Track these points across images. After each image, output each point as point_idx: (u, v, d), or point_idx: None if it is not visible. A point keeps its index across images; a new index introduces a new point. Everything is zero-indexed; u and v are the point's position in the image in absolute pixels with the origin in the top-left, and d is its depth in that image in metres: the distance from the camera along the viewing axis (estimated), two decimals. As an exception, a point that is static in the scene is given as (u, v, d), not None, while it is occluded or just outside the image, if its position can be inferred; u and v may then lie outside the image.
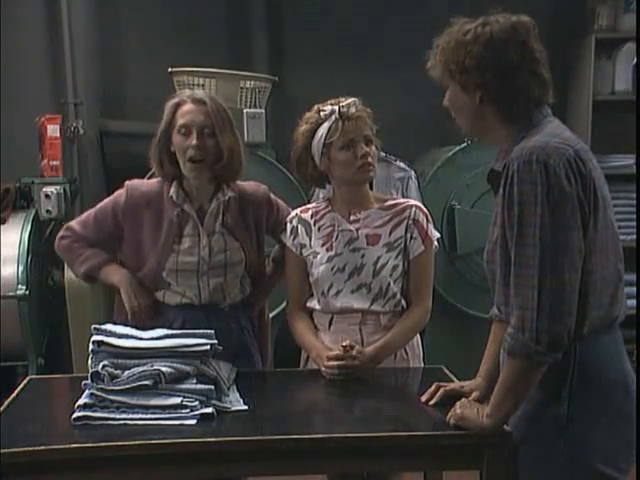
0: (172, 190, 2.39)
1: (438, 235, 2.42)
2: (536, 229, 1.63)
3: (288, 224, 2.46)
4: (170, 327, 2.25)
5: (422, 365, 2.49)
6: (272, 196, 2.55)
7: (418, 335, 2.48)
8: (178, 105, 2.34)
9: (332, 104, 2.32)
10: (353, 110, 2.30)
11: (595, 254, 1.70)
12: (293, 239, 2.43)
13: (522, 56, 1.74)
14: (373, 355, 2.29)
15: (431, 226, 2.40)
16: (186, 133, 2.31)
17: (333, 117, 2.30)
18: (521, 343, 1.65)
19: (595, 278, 1.70)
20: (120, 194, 2.44)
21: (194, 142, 2.29)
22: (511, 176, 1.67)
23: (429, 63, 1.84)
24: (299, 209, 2.50)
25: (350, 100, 2.32)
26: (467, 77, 1.76)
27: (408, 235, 2.36)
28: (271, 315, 2.85)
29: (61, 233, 2.51)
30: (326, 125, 2.30)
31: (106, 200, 2.48)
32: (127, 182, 2.47)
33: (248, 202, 2.47)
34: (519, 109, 1.77)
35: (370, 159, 2.31)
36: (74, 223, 2.51)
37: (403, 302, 2.39)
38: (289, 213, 2.52)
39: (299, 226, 2.43)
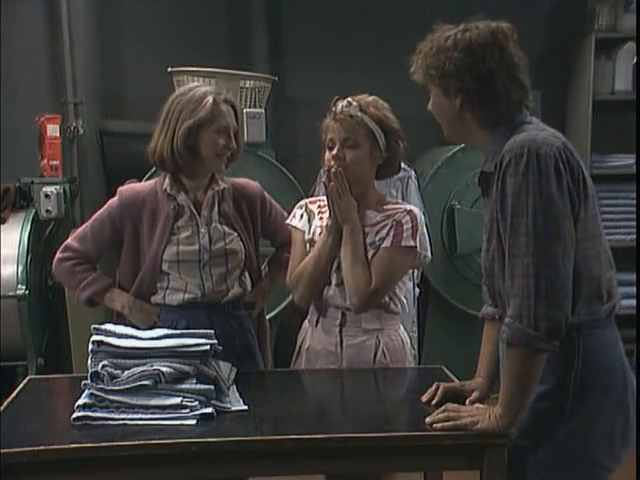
0: (166, 182, 2.41)
1: (412, 244, 2.28)
2: (528, 218, 1.66)
3: (297, 210, 2.47)
4: (174, 329, 2.23)
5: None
6: (266, 194, 2.58)
7: (407, 339, 2.46)
8: (216, 104, 2.36)
9: (341, 101, 2.32)
10: (339, 111, 2.29)
11: (588, 241, 1.73)
12: (299, 220, 2.45)
13: (500, 61, 1.77)
14: None
15: (411, 234, 2.29)
16: (224, 133, 2.37)
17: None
18: (520, 331, 1.67)
19: (589, 265, 1.73)
20: (113, 200, 2.46)
21: (233, 144, 2.40)
22: (504, 170, 1.70)
23: (412, 68, 1.88)
24: (308, 199, 2.55)
25: (345, 101, 2.30)
26: (447, 82, 1.81)
27: (385, 232, 2.32)
28: (270, 316, 2.85)
29: (60, 254, 2.47)
30: None
31: (100, 211, 2.48)
32: (119, 188, 2.48)
33: (241, 195, 2.51)
34: (499, 113, 1.80)
35: (338, 163, 2.27)
36: (71, 241, 2.47)
37: (384, 301, 2.36)
38: (282, 214, 2.57)
39: (304, 214, 2.46)
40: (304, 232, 2.42)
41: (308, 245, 2.41)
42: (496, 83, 1.77)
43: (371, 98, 2.34)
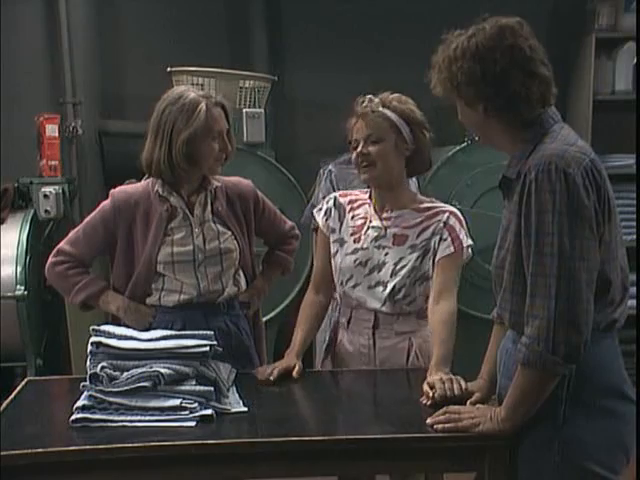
0: (158, 184, 2.40)
1: (471, 242, 2.33)
2: (554, 238, 1.62)
3: (325, 204, 2.46)
4: (170, 330, 2.23)
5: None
6: (258, 192, 2.57)
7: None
8: (208, 110, 2.32)
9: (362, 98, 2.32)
10: (361, 108, 2.29)
11: (609, 264, 1.69)
12: (325, 220, 2.43)
13: (512, 60, 1.72)
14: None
15: (464, 232, 2.33)
16: (219, 137, 2.36)
17: None
18: (537, 354, 1.64)
19: (610, 287, 1.70)
20: (105, 203, 2.44)
21: (228, 147, 2.37)
22: (529, 184, 1.66)
23: (431, 83, 1.84)
24: (339, 192, 2.52)
25: (367, 98, 2.30)
26: (464, 92, 1.77)
27: (436, 237, 2.30)
28: (268, 318, 2.84)
29: (52, 259, 2.44)
30: None
31: (92, 214, 2.46)
32: (111, 190, 2.47)
33: (234, 194, 2.49)
34: (523, 113, 1.75)
35: (365, 160, 2.27)
36: (64, 245, 2.45)
37: (418, 305, 2.34)
38: (275, 212, 2.58)
39: (333, 209, 2.43)
40: (329, 233, 2.41)
41: (338, 245, 2.38)
42: (513, 83, 1.72)
43: (394, 95, 2.33)
